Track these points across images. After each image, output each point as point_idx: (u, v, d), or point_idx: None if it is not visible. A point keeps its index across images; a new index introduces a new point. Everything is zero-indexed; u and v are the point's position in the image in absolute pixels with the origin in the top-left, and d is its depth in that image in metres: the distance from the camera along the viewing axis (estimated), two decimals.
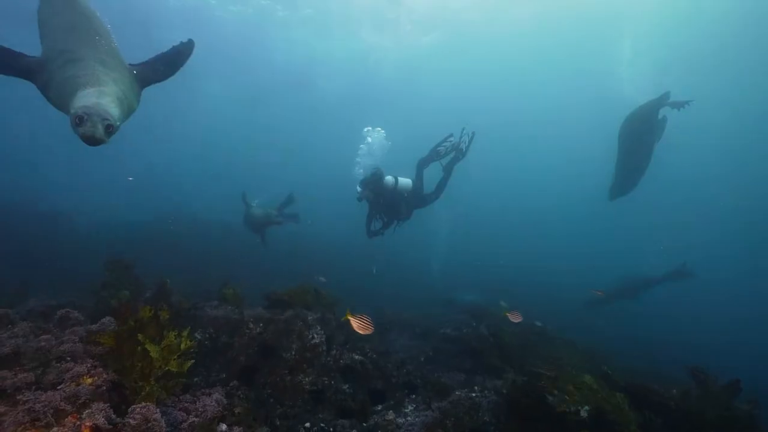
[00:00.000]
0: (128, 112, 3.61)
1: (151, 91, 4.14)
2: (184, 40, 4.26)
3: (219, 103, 32.84)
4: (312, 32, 24.43)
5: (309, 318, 4.94)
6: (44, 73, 3.44)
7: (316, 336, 4.85)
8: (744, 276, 29.65)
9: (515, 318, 4.95)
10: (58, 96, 3.35)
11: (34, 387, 2.30)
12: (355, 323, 3.81)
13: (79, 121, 2.96)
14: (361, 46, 25.72)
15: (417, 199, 8.69)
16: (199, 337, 4.59)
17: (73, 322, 3.39)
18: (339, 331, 5.50)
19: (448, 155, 8.64)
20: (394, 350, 6.58)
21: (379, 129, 9.31)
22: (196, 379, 4.35)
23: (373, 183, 8.14)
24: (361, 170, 8.48)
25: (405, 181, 8.46)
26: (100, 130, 2.99)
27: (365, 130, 9.30)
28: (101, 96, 3.21)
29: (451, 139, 8.63)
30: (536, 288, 16.69)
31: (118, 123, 3.19)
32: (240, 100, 32.96)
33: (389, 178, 8.37)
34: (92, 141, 2.98)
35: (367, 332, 3.82)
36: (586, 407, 2.96)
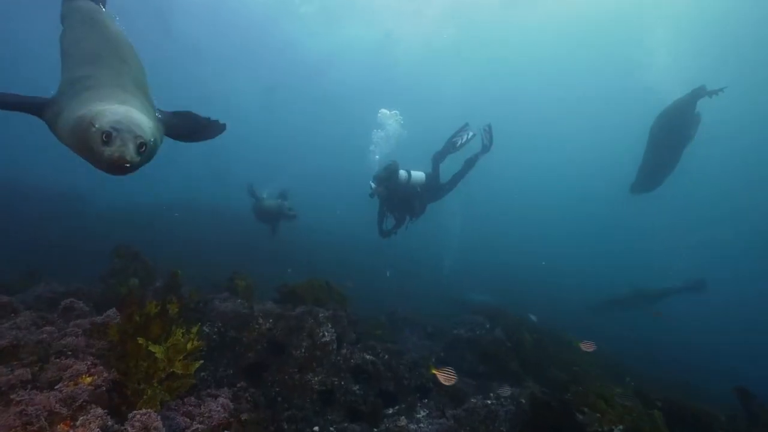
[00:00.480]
0: (152, 149, 2.72)
1: (163, 85, 3.80)
2: (220, 121, 3.63)
3: (235, 91, 32.80)
4: (330, 21, 24.11)
5: (320, 315, 4.77)
6: (54, 106, 2.85)
7: (326, 334, 4.68)
8: (750, 278, 28.65)
9: (588, 347, 4.64)
10: (68, 126, 2.63)
11: (29, 386, 2.15)
12: (441, 377, 3.96)
13: (106, 138, 2.28)
14: (380, 36, 25.29)
15: (431, 192, 8.44)
16: (207, 330, 4.46)
17: (78, 312, 3.25)
18: (350, 329, 5.32)
19: (464, 147, 8.38)
20: (405, 350, 6.38)
21: (396, 112, 8.97)
22: (203, 374, 4.22)
23: (388, 178, 7.87)
24: (377, 156, 8.21)
25: (418, 175, 8.19)
26: (131, 150, 2.30)
27: (380, 112, 8.95)
28: (130, 111, 2.57)
29: (467, 128, 8.38)
30: (543, 287, 16.41)
31: (152, 140, 2.51)
32: (256, 90, 32.90)
33: (402, 173, 8.10)
34: (121, 164, 2.28)
35: (451, 383, 4.00)
36: (620, 427, 2.72)
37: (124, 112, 2.53)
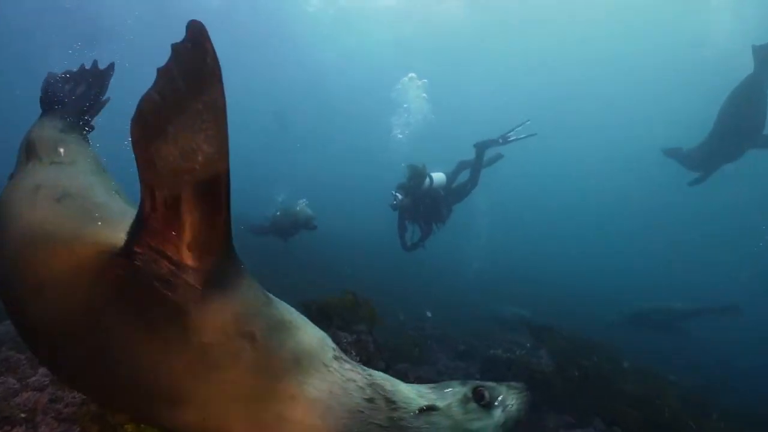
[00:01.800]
0: None
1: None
2: None
3: (243, 96, 32.57)
4: (345, 24, 23.68)
5: (342, 341, 4.10)
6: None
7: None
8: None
9: None
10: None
11: None
12: None
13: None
14: (396, 35, 24.59)
15: (454, 193, 7.86)
16: None
17: None
18: (377, 355, 4.62)
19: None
20: (437, 374, 5.66)
21: (425, 81, 8.24)
22: None
23: (415, 186, 7.26)
24: (401, 136, 7.60)
25: (439, 176, 7.60)
26: None
27: (406, 78, 8.05)
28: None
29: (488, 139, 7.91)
30: (576, 291, 15.37)
31: None
32: (265, 96, 32.73)
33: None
34: None
35: None
36: None
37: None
